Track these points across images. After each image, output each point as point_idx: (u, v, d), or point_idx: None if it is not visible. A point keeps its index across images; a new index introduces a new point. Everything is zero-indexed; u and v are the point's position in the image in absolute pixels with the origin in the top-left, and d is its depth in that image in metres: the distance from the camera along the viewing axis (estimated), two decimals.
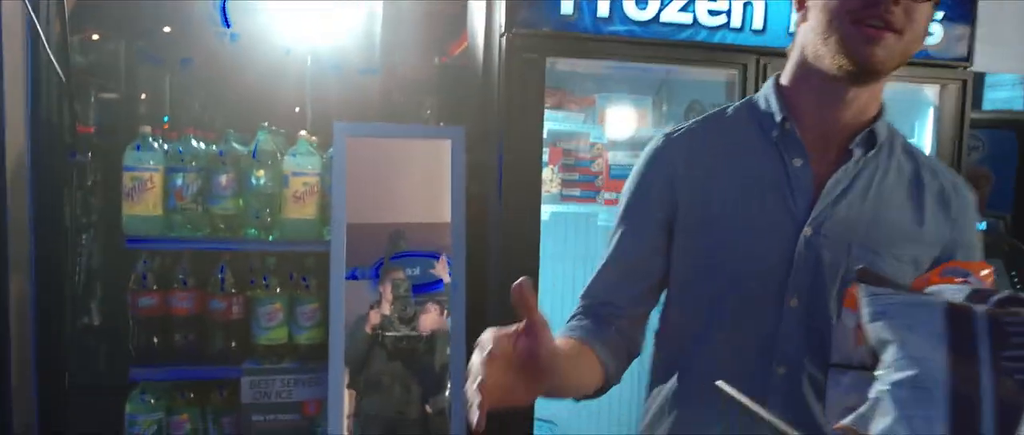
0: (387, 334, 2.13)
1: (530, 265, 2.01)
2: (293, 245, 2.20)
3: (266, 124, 2.22)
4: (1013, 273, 2.68)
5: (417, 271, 2.19)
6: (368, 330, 2.13)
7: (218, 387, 2.25)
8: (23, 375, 2.06)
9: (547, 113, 2.13)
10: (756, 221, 1.06)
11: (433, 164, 2.22)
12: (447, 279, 2.18)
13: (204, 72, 2.55)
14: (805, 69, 1.05)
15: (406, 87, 2.68)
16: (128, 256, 2.21)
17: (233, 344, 2.22)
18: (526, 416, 2.08)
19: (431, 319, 2.17)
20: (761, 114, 1.10)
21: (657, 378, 1.18)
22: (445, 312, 2.17)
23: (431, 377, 2.18)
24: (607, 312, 1.13)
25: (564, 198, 2.43)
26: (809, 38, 1.02)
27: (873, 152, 1.06)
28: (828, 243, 1.03)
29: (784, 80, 1.10)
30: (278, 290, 2.22)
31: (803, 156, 1.06)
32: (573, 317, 1.15)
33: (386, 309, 2.14)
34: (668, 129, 1.19)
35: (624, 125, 2.44)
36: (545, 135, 2.12)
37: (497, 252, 2.09)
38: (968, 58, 2.33)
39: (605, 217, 2.42)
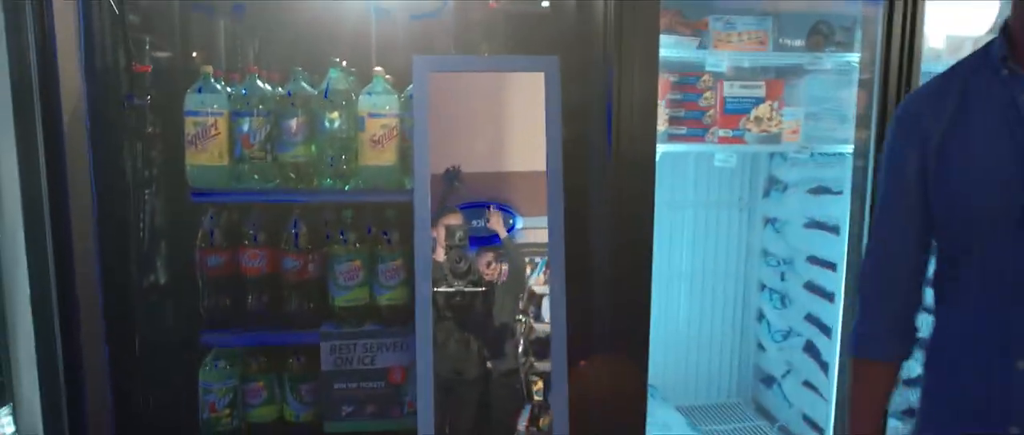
0: (437, 290, 1.90)
1: (644, 215, 1.74)
2: (371, 195, 1.97)
3: (338, 59, 1.98)
4: None
5: (483, 223, 1.96)
6: None
7: (295, 353, 2.07)
8: (93, 337, 1.93)
9: None
10: (986, 160, 1.09)
11: (507, 105, 1.95)
12: (503, 234, 1.94)
13: (257, 19, 2.35)
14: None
15: (465, 31, 2.42)
16: (193, 211, 2.03)
17: (310, 306, 2.02)
18: (640, 383, 1.85)
19: (491, 271, 1.92)
20: (991, 57, 1.11)
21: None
22: (503, 264, 1.93)
23: (492, 334, 1.95)
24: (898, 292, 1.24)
25: (671, 137, 2.13)
26: None
27: None
28: None
29: (1011, 19, 1.09)
30: (357, 246, 2.00)
31: None
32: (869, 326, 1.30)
33: (440, 255, 1.90)
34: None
35: (742, 51, 2.11)
36: None
37: (603, 199, 1.81)
38: None
39: (722, 157, 2.11)
